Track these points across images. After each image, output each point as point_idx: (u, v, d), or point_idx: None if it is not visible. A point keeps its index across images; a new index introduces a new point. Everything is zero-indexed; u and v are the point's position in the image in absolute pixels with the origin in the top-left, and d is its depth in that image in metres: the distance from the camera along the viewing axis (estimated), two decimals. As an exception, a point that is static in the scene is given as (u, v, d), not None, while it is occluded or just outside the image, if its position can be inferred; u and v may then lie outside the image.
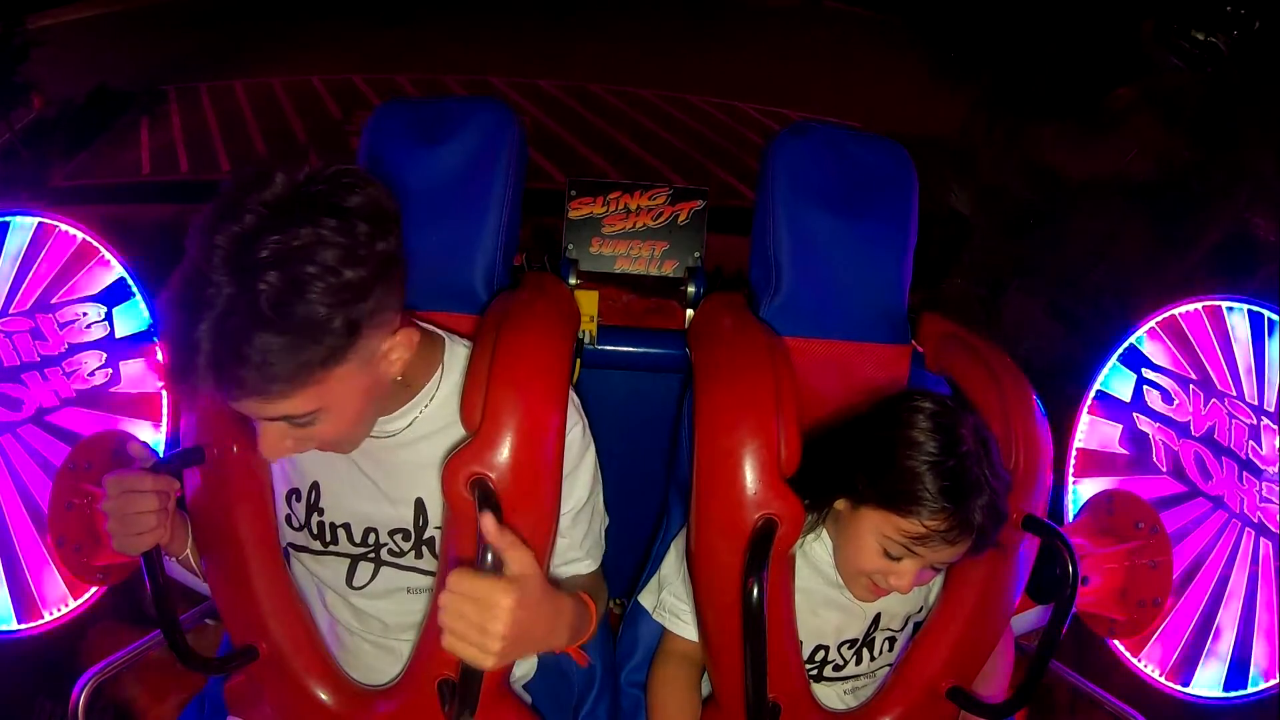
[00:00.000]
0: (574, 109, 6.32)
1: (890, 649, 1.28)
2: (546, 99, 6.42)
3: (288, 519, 1.20)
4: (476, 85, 6.63)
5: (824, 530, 1.23)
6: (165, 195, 4.80)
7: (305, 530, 1.19)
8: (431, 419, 1.14)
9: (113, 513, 1.06)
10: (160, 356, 0.90)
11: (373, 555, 1.19)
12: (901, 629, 1.28)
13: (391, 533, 1.18)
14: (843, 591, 1.23)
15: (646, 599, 1.34)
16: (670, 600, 1.29)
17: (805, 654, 1.24)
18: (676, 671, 1.28)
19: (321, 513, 1.18)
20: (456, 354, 1.18)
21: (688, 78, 6.88)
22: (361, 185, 0.93)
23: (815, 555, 1.23)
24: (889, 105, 5.66)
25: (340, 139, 5.58)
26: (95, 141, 5.36)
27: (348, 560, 1.19)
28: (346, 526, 1.18)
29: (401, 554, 1.18)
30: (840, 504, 1.17)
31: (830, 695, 1.28)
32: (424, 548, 1.18)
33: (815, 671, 1.26)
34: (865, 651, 1.27)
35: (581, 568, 1.25)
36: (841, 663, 1.26)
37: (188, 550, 1.21)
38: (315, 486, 1.18)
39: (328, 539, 1.19)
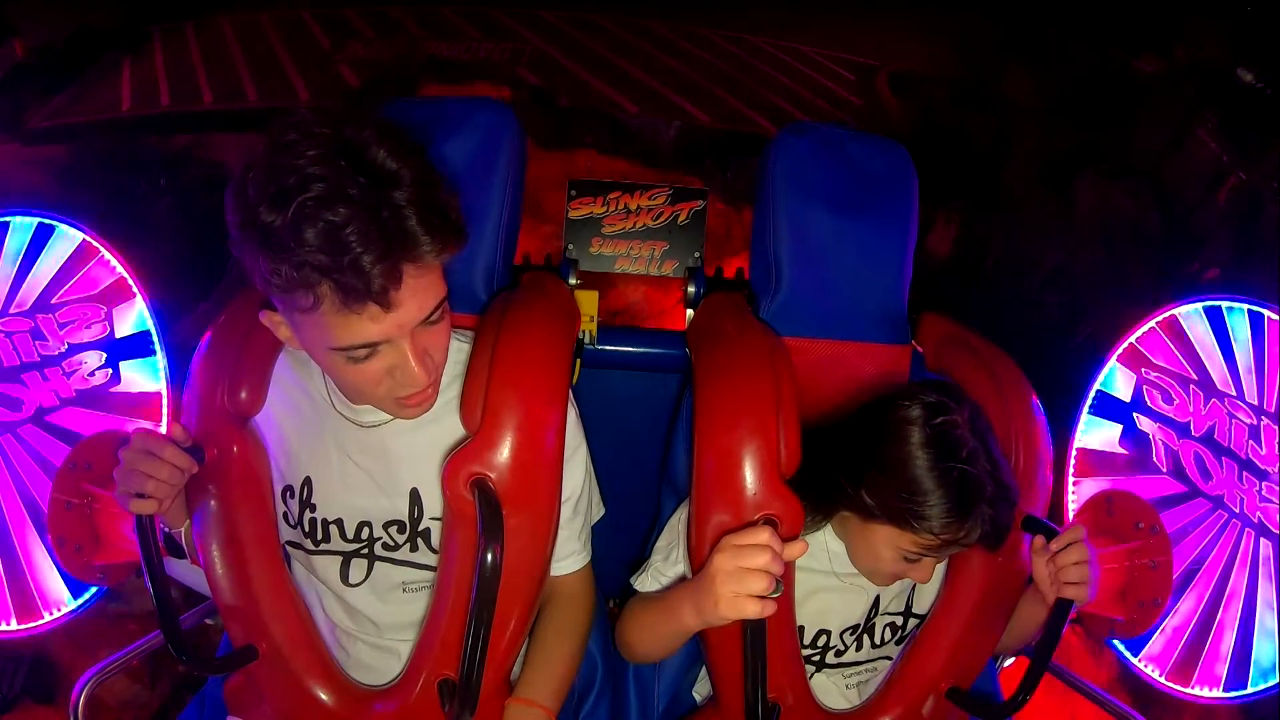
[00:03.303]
0: (576, 38, 6.19)
1: (892, 636, 1.28)
2: (548, 28, 6.28)
3: (284, 516, 1.20)
4: (475, 16, 6.39)
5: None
6: (144, 130, 4.59)
7: (299, 528, 1.19)
8: None
9: (125, 461, 1.08)
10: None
11: (366, 551, 1.18)
12: (901, 612, 1.28)
13: (386, 525, 1.18)
14: (842, 577, 1.24)
15: (638, 581, 1.32)
16: (654, 569, 1.27)
17: (808, 639, 1.25)
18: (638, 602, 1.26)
19: (314, 509, 1.18)
20: (451, 344, 1.18)
21: (696, 10, 6.72)
22: None
23: (815, 541, 1.23)
24: (911, 40, 5.51)
25: (329, 69, 5.35)
26: (75, 82, 5.08)
27: (340, 558, 1.19)
28: (339, 522, 1.18)
29: (396, 547, 1.18)
30: (849, 514, 1.17)
31: (832, 688, 1.28)
32: (419, 540, 1.18)
33: (818, 658, 1.26)
34: (866, 637, 1.27)
35: (579, 561, 1.26)
36: (843, 648, 1.26)
37: (183, 528, 1.20)
38: (308, 482, 1.18)
39: (319, 537, 1.18)
